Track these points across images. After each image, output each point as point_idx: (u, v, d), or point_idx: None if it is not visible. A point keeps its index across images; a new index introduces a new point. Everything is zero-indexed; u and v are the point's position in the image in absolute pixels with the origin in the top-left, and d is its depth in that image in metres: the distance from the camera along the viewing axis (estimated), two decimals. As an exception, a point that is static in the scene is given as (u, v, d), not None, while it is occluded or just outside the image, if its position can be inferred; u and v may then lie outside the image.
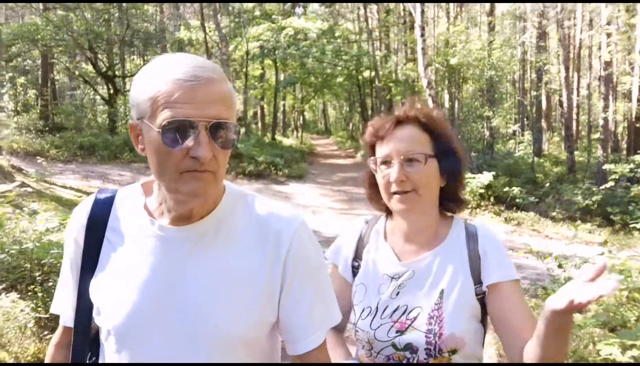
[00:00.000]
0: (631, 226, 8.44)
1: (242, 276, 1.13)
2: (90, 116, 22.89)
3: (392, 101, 22.50)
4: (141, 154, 1.12)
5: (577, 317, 3.78)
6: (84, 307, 1.21)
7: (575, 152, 20.07)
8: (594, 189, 11.04)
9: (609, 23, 12.80)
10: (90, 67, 22.40)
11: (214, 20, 18.02)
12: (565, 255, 5.26)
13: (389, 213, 1.64)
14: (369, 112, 28.53)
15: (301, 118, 38.75)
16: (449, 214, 1.60)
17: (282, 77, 27.89)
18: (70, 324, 1.24)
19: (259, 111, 32.37)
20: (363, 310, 1.54)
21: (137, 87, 1.08)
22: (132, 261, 1.15)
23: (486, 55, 15.24)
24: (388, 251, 1.57)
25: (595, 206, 10.47)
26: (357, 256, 1.62)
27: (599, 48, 13.99)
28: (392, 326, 1.49)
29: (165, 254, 1.13)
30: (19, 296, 3.76)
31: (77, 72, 22.48)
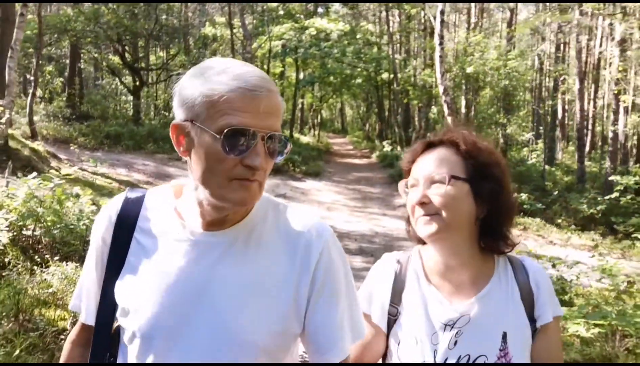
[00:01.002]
0: (633, 236, 8.85)
1: (270, 284, 1.14)
2: (114, 106, 23.61)
3: (409, 104, 22.92)
4: (181, 155, 1.13)
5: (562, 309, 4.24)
6: (106, 306, 1.20)
7: (589, 163, 20.38)
8: (599, 198, 11.43)
9: (624, 40, 13.12)
10: (116, 59, 23.19)
11: (240, 19, 18.58)
12: (560, 257, 5.73)
13: (422, 244, 1.52)
14: (386, 114, 28.96)
15: (319, 117, 39.20)
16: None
17: (301, 75, 28.39)
18: (91, 322, 1.24)
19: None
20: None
21: (191, 87, 1.08)
22: (160, 264, 1.15)
23: (501, 64, 15.63)
24: (435, 295, 1.42)
25: (600, 215, 10.87)
26: (394, 302, 1.46)
27: (609, 64, 14.32)
28: None
29: (195, 259, 1.14)
30: (76, 265, 4.32)
31: (104, 63, 23.15)
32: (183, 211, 1.19)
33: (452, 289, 1.42)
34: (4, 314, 3.49)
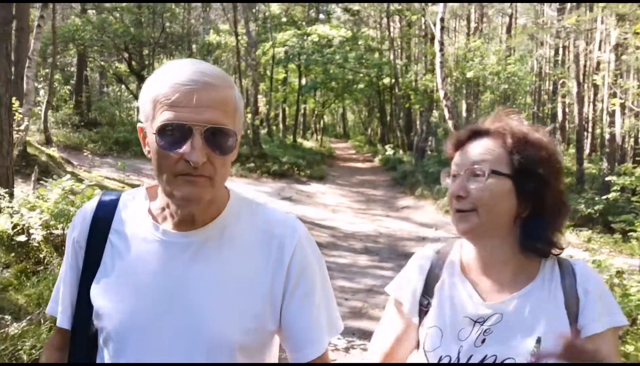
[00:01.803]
0: (629, 234, 9.18)
1: (243, 282, 1.14)
2: (119, 113, 24.06)
3: (410, 108, 23.30)
4: (147, 156, 1.14)
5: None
6: (83, 310, 1.20)
7: (589, 165, 20.70)
8: (596, 198, 11.76)
9: (619, 45, 13.47)
10: (123, 67, 23.66)
11: (245, 27, 18.99)
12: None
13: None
14: (388, 118, 29.34)
15: (321, 122, 39.59)
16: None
17: (304, 81, 28.80)
18: (67, 326, 1.24)
19: (280, 114, 33.36)
20: (441, 359, 1.33)
21: (143, 90, 1.11)
22: (134, 265, 1.16)
23: (501, 69, 16.02)
24: (469, 289, 1.36)
25: (597, 214, 11.19)
26: (427, 293, 1.40)
27: (607, 67, 14.65)
28: None
29: (168, 259, 1.14)
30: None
31: (111, 71, 23.61)
32: (156, 212, 1.20)
33: (488, 287, 1.35)
34: (46, 303, 3.84)
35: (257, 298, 1.15)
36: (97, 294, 1.17)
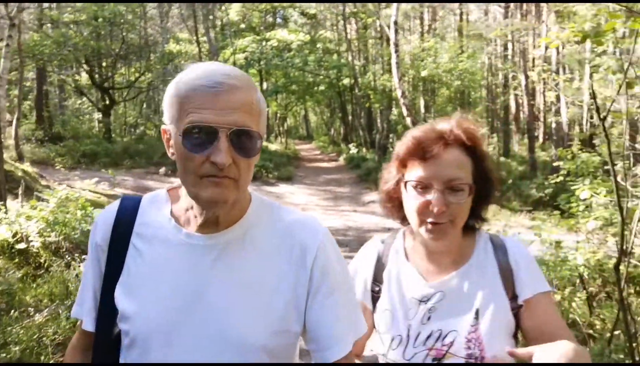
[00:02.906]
0: (571, 211, 9.92)
1: (267, 285, 1.15)
2: (81, 126, 24.07)
3: (371, 107, 24.07)
4: (171, 158, 1.13)
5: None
6: (106, 312, 1.21)
7: (542, 153, 21.85)
8: (546, 183, 12.71)
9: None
10: (83, 79, 23.68)
11: (206, 35, 19.38)
12: (507, 231, 6.79)
13: (407, 225, 1.53)
14: (350, 118, 30.07)
15: (284, 124, 40.02)
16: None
17: (264, 85, 29.23)
18: (92, 328, 1.25)
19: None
20: (393, 339, 1.44)
21: (168, 92, 1.11)
22: (158, 268, 1.16)
23: (453, 67, 16.93)
24: (412, 272, 1.47)
25: (547, 198, 12.12)
26: (377, 279, 1.51)
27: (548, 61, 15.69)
28: (427, 354, 1.40)
29: (192, 262, 1.15)
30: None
31: (72, 84, 23.60)
32: (178, 214, 1.20)
33: (431, 269, 1.45)
34: (58, 298, 4.31)
35: (281, 300, 1.15)
36: (121, 297, 1.18)
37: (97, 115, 24.80)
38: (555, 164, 13.26)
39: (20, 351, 3.34)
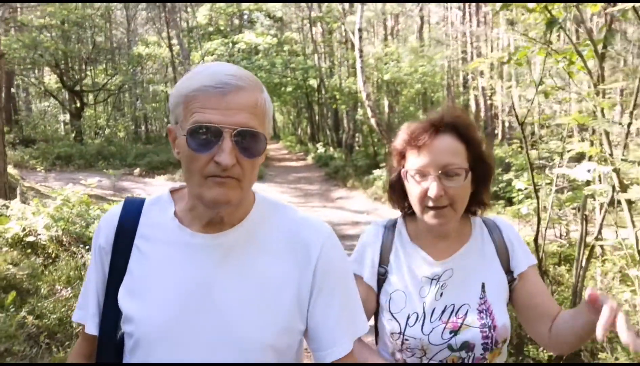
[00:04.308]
0: (513, 200, 10.72)
1: (272, 284, 1.16)
2: (49, 127, 24.23)
3: (337, 109, 24.97)
4: (177, 157, 1.14)
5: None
6: (110, 315, 1.21)
7: (501, 149, 23.03)
8: (500, 178, 13.79)
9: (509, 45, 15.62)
10: (52, 82, 23.90)
11: (178, 40, 19.88)
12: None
13: (408, 213, 1.62)
14: (316, 118, 30.87)
15: (252, 125, 40.18)
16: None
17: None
18: (95, 332, 1.24)
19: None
20: (409, 317, 1.50)
21: (174, 92, 1.11)
22: (162, 269, 1.16)
23: (413, 71, 17.98)
24: (420, 253, 1.55)
25: (502, 192, 13.21)
26: (383, 262, 1.57)
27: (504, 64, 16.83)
28: (444, 327, 1.47)
29: (196, 262, 1.15)
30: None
31: (41, 87, 23.77)
32: (182, 215, 1.20)
33: (437, 249, 1.55)
34: (73, 281, 4.99)
35: (285, 299, 1.16)
36: (125, 299, 1.18)
37: (63, 117, 25.02)
38: (507, 160, 14.45)
39: (57, 319, 4.04)
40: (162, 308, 1.14)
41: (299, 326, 1.20)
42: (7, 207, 6.23)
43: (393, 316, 1.52)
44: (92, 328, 1.25)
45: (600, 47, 3.35)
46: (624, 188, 3.04)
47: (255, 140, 1.09)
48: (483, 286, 1.50)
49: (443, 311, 1.49)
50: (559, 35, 6.18)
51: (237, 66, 1.12)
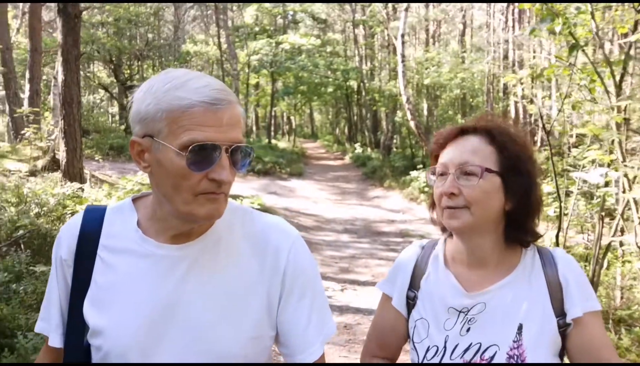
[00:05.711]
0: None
1: (241, 292, 1.15)
2: (101, 119, 25.41)
3: (377, 111, 25.44)
4: (143, 171, 1.11)
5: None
6: (75, 328, 1.18)
7: (541, 155, 23.05)
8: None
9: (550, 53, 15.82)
10: (104, 76, 25.11)
11: (226, 40, 20.69)
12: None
13: (450, 235, 1.47)
14: (355, 118, 31.35)
15: (293, 123, 40.98)
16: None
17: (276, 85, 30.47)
18: (59, 344, 1.22)
19: (253, 117, 35.01)
20: (428, 349, 1.38)
21: (145, 102, 1.05)
22: (128, 281, 1.13)
23: (453, 76, 18.34)
24: (452, 280, 1.40)
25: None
26: (413, 286, 1.45)
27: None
28: None
29: (163, 273, 1.13)
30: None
31: (96, 81, 25.00)
32: (147, 225, 1.17)
33: (471, 278, 1.39)
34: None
35: (255, 306, 1.15)
36: (91, 312, 1.15)
37: (112, 109, 26.17)
38: (543, 166, 14.70)
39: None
40: (132, 321, 1.12)
41: (269, 333, 1.19)
42: (83, 190, 7.00)
43: (414, 346, 1.42)
44: (55, 341, 1.23)
45: (620, 68, 3.82)
46: (631, 189, 3.49)
47: (245, 154, 1.10)
48: (520, 327, 1.31)
49: (467, 350, 1.34)
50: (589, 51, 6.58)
51: (213, 77, 1.11)
